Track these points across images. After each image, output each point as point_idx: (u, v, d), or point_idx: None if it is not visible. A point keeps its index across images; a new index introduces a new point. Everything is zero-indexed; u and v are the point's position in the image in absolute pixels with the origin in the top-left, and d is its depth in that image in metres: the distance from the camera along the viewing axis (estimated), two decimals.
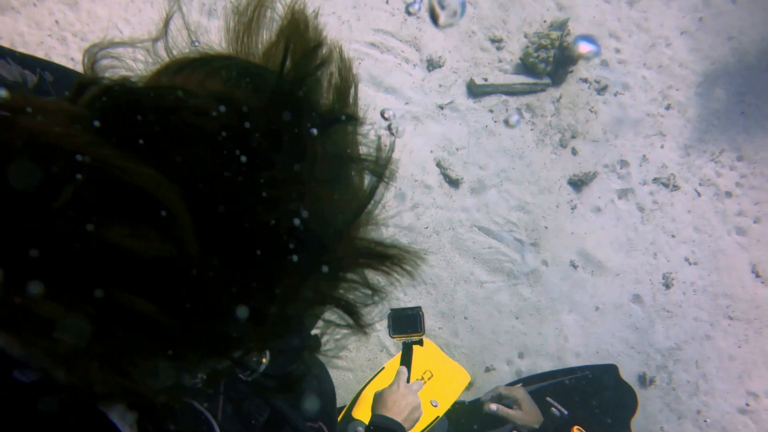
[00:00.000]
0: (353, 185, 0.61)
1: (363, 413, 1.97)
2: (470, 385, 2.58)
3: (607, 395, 2.13)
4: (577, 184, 3.27)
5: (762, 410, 3.14)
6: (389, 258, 0.59)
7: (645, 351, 3.08)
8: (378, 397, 1.50)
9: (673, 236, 3.37)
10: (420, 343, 1.66)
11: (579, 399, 2.08)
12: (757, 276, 3.41)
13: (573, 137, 3.40)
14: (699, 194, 3.54)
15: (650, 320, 3.14)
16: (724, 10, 4.05)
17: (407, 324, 1.64)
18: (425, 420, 1.92)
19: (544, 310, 2.97)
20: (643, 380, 3.01)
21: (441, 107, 3.18)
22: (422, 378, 2.08)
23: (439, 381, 2.11)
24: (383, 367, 2.24)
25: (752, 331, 3.29)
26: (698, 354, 3.16)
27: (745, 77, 3.95)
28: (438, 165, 3.05)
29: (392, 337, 1.66)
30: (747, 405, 3.12)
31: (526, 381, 2.26)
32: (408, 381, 1.58)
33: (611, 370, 2.26)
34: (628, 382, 2.28)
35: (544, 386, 2.16)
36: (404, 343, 1.68)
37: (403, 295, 2.83)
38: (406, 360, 1.67)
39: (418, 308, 1.67)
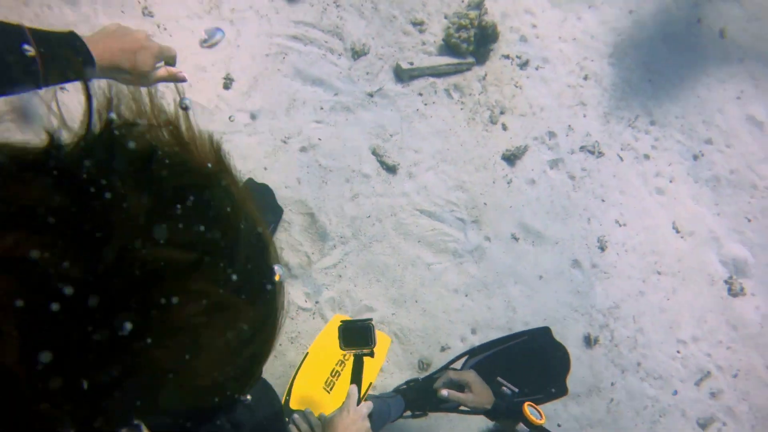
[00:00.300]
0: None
1: (300, 404, 1.96)
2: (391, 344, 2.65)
3: (545, 357, 2.24)
4: (510, 158, 3.35)
5: (690, 356, 3.38)
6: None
7: (588, 312, 3.23)
8: (328, 424, 1.48)
9: (602, 201, 3.53)
10: (371, 355, 1.65)
11: (521, 365, 2.17)
12: (677, 232, 3.65)
13: (502, 113, 3.48)
14: (621, 159, 3.73)
15: (590, 283, 3.29)
16: None
17: (358, 337, 1.63)
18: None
19: (491, 284, 3.03)
20: (588, 340, 3.15)
21: (371, 95, 3.15)
22: (344, 353, 2.08)
23: None
24: (307, 353, 2.26)
25: (678, 283, 3.52)
26: (634, 310, 3.35)
27: (647, 47, 4.19)
28: (374, 153, 3.03)
29: (342, 350, 1.64)
30: (678, 352, 3.35)
31: (472, 353, 2.31)
32: (359, 397, 1.56)
33: (545, 332, 2.37)
34: (562, 342, 2.40)
35: (488, 356, 2.22)
36: (355, 356, 1.67)
37: (353, 285, 2.81)
38: (357, 376, 1.65)
39: (369, 320, 1.65)
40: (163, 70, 1.37)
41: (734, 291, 3.62)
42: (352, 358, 1.86)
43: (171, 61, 1.40)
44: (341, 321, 1.69)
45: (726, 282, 3.66)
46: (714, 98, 4.30)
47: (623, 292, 3.35)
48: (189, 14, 2.89)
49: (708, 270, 3.66)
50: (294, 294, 2.74)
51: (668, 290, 3.48)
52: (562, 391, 2.28)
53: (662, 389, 3.25)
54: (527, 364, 2.22)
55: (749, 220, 3.94)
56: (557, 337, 2.44)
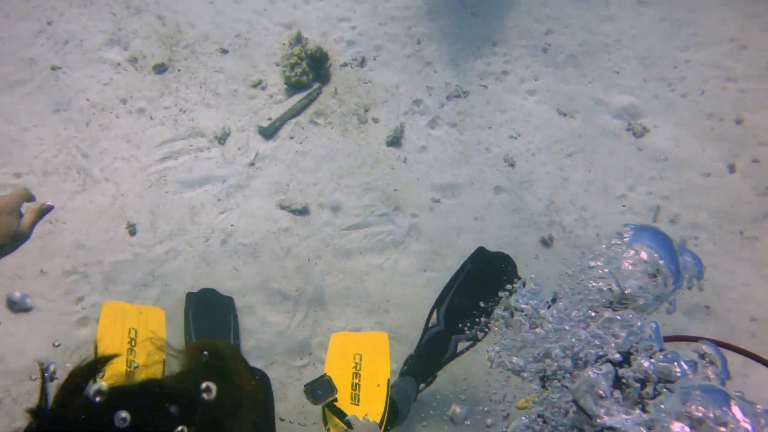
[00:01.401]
0: None
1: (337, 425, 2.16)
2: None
3: (492, 269, 2.49)
4: (394, 141, 3.64)
5: (634, 203, 3.67)
6: None
7: (532, 221, 3.50)
8: None
9: (489, 127, 3.84)
10: (336, 400, 2.08)
11: (478, 288, 2.42)
12: (564, 114, 3.97)
13: (366, 110, 3.78)
14: (485, 86, 4.05)
15: (519, 197, 3.57)
16: None
17: (323, 390, 2.07)
18: (381, 398, 2.14)
19: (439, 249, 3.28)
20: (546, 242, 3.41)
21: (252, 164, 3.41)
22: (355, 363, 2.29)
23: (368, 354, 2.34)
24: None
25: (590, 154, 3.82)
26: (567, 196, 3.63)
27: None
28: (281, 207, 3.28)
29: (317, 405, 2.06)
30: (623, 206, 3.64)
31: (438, 304, 2.55)
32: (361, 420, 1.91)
33: (481, 251, 2.63)
34: (504, 252, 2.65)
35: (450, 299, 2.47)
36: (328, 406, 2.08)
37: (331, 321, 3.03)
38: (339, 413, 2.06)
39: (324, 375, 2.12)
40: (29, 214, 1.41)
41: (639, 132, 3.95)
42: (363, 367, 2.17)
43: (29, 198, 1.43)
44: (305, 385, 2.09)
45: (628, 129, 3.98)
46: None
47: (550, 188, 3.64)
48: (69, 192, 3.13)
49: (608, 129, 3.98)
50: (290, 361, 2.94)
51: (585, 164, 3.78)
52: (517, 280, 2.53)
53: None
54: (483, 284, 2.46)
55: (617, 72, 4.30)
56: (512, 253, 2.69)
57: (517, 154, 3.73)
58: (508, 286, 2.33)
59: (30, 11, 3.75)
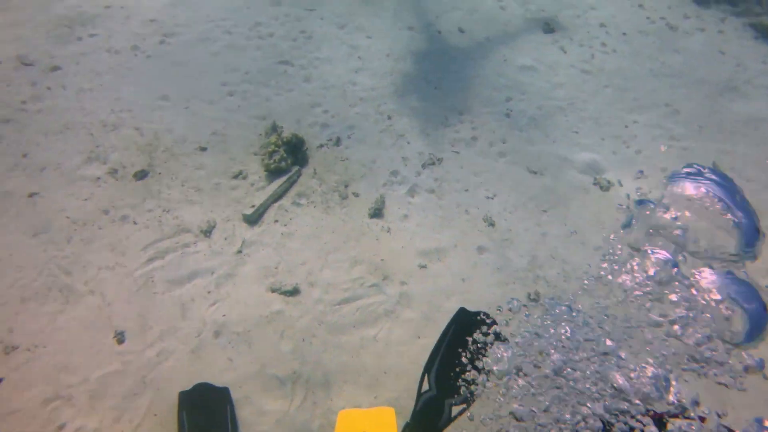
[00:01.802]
0: None
1: None
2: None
3: (473, 327, 2.52)
4: (376, 213, 3.74)
5: (611, 248, 3.77)
6: None
7: (517, 278, 3.56)
8: None
9: (466, 190, 3.99)
10: None
11: (464, 345, 2.45)
12: (534, 173, 4.16)
13: (346, 186, 3.91)
14: (458, 152, 4.25)
15: (502, 255, 3.64)
16: None
17: None
18: None
19: (430, 314, 3.30)
20: (531, 298, 3.45)
21: (239, 251, 3.47)
22: None
23: (375, 430, 2.30)
24: None
25: (556, 210, 3.97)
26: (548, 250, 3.72)
27: (417, 69, 4.97)
28: (272, 291, 3.30)
29: None
30: (603, 257, 3.73)
31: (428, 369, 2.55)
32: None
33: (462, 312, 2.67)
34: (475, 310, 2.69)
35: (439, 361, 2.49)
36: None
37: (330, 401, 2.97)
38: None
39: None
40: None
41: (604, 186, 4.14)
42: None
43: None
44: None
45: (595, 183, 4.17)
46: (488, 70, 5.06)
47: (530, 243, 3.73)
48: (50, 315, 3.12)
49: (576, 184, 4.16)
50: None
51: (561, 218, 3.91)
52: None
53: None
54: (467, 341, 2.50)
55: (576, 132, 4.57)
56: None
57: (495, 213, 3.85)
58: (480, 334, 2.37)
59: (4, 149, 3.87)
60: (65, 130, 4.04)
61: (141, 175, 3.81)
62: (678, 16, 6.24)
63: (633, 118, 4.79)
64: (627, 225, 2.15)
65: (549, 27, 5.69)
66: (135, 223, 3.53)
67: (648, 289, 2.03)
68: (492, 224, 3.78)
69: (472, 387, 2.32)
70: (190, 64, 4.78)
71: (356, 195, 3.87)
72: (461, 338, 2.54)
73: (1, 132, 3.96)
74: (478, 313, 2.63)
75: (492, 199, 3.95)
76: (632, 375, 1.76)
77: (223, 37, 5.11)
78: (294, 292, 3.31)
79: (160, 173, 3.85)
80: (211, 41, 5.06)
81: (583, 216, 3.93)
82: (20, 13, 5.07)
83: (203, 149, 4.06)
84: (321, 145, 4.17)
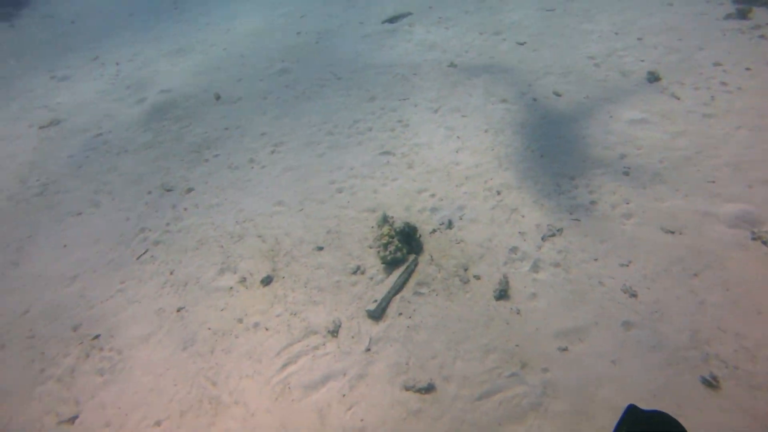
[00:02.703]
0: None
1: None
2: None
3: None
4: (502, 294, 3.55)
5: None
6: None
7: (681, 357, 3.13)
8: None
9: (595, 260, 3.69)
10: None
11: None
12: (671, 232, 3.79)
13: (466, 269, 3.78)
14: (578, 220, 4.01)
15: (655, 330, 3.25)
16: None
17: None
18: None
19: (583, 406, 2.96)
20: (709, 383, 3.01)
21: (368, 349, 3.41)
22: None
23: None
24: None
25: (710, 273, 3.53)
26: (712, 321, 3.28)
27: (524, 129, 4.84)
28: (406, 389, 3.17)
29: None
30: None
31: None
32: None
33: (632, 412, 2.24)
34: (650, 409, 2.30)
35: None
36: None
37: None
38: None
39: None
40: None
41: (767, 240, 3.65)
42: None
43: None
44: None
45: (754, 238, 3.70)
46: (594, 129, 4.84)
47: (686, 315, 3.32)
48: (204, 426, 3.20)
49: (727, 240, 3.73)
50: None
51: (719, 282, 3.47)
52: None
53: None
54: None
55: (712, 182, 4.16)
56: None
57: (634, 282, 3.50)
58: None
59: (156, 269, 4.27)
60: (200, 246, 4.37)
61: (267, 280, 3.96)
62: None
63: None
64: None
65: (653, 76, 5.41)
66: (267, 329, 3.62)
67: None
68: (634, 295, 3.43)
69: None
70: (300, 168, 5.06)
71: (477, 278, 3.72)
72: None
73: (153, 253, 4.38)
74: (654, 417, 2.22)
75: (627, 266, 3.62)
76: None
77: (326, 139, 5.40)
78: (429, 388, 3.15)
79: (283, 277, 3.98)
80: (316, 144, 5.37)
81: (748, 277, 3.43)
82: (162, 147, 5.74)
83: (320, 248, 4.17)
84: (434, 230, 4.13)
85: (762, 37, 5.78)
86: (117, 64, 8.43)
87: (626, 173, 4.30)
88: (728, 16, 6.30)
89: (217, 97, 6.57)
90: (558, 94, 5.49)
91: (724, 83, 5.15)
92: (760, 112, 4.71)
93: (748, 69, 5.28)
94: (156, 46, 8.95)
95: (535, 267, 3.74)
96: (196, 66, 7.80)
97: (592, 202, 4.12)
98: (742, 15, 6.19)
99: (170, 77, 7.56)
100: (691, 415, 2.78)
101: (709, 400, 2.85)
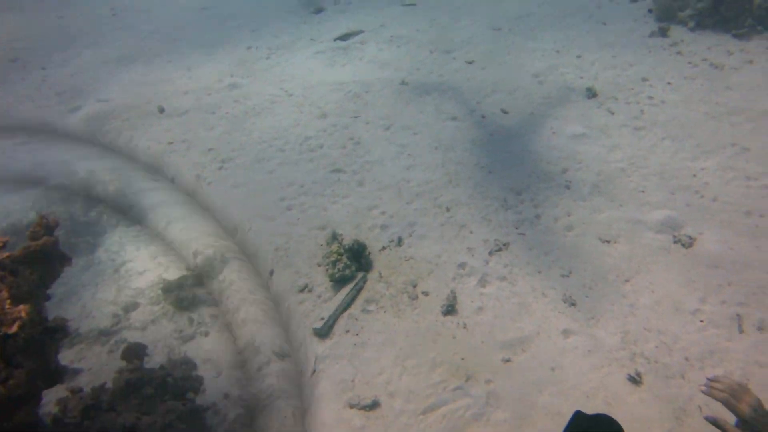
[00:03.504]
0: None
1: None
2: None
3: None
4: (450, 309, 3.60)
5: (710, 318, 3.41)
6: None
7: (612, 358, 3.24)
8: None
9: (539, 272, 3.79)
10: None
11: None
12: (607, 242, 3.94)
13: (415, 286, 3.82)
14: (523, 234, 4.11)
15: (591, 335, 3.36)
16: None
17: None
18: None
19: (524, 412, 3.02)
20: (634, 380, 3.12)
21: (314, 370, 3.38)
22: None
23: None
24: None
25: (639, 278, 3.68)
26: (639, 322, 3.41)
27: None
28: (351, 407, 3.15)
29: None
30: (701, 321, 3.38)
31: None
32: None
33: (578, 417, 2.29)
34: (594, 413, 2.37)
35: None
36: None
37: None
38: None
39: None
40: None
41: (686, 243, 3.84)
42: None
43: None
44: None
45: (676, 241, 3.88)
46: (539, 145, 5.00)
47: (619, 319, 3.44)
48: None
49: (655, 246, 3.89)
50: None
51: (647, 286, 3.62)
52: None
53: None
54: None
55: (643, 191, 4.35)
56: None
57: (574, 291, 3.61)
58: None
59: None
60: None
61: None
62: (721, 55, 6.09)
63: (700, 165, 4.53)
64: None
65: (591, 92, 5.65)
66: None
67: None
68: (573, 304, 3.54)
69: None
70: (248, 184, 5.02)
71: (426, 294, 3.75)
72: None
73: None
74: (599, 418, 2.28)
75: (568, 276, 3.73)
76: None
77: (277, 155, 5.38)
78: (373, 405, 3.15)
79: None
80: (266, 160, 5.34)
81: (670, 278, 3.61)
82: None
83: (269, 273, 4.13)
84: (383, 247, 4.16)
85: (679, 53, 6.22)
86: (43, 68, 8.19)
87: (567, 187, 4.45)
88: (652, 34, 6.77)
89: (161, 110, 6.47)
90: (505, 111, 5.65)
91: (650, 97, 5.47)
92: (680, 122, 5.06)
93: (669, 83, 5.65)
94: None
95: (483, 281, 3.80)
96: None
97: (537, 216, 4.24)
98: (663, 33, 6.73)
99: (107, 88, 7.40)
100: (618, 410, 2.89)
101: (633, 395, 3.01)
